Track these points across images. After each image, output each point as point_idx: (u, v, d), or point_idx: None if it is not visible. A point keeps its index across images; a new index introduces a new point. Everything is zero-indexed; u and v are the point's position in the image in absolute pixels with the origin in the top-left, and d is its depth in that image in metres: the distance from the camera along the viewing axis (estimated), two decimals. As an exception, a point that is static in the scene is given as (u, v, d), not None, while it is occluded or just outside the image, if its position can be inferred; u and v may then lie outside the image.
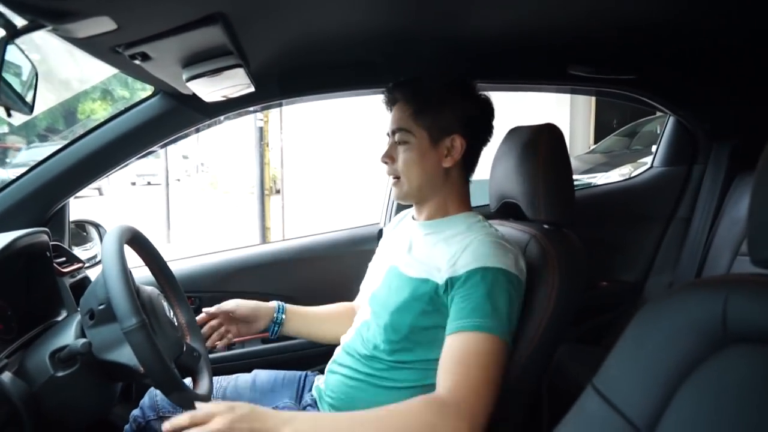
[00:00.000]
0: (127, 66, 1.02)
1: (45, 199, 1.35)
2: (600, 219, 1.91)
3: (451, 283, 1.00)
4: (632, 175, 2.02)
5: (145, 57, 0.95)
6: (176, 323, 1.13)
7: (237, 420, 0.83)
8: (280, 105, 1.65)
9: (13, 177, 1.36)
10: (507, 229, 1.26)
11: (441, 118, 1.12)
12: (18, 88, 0.84)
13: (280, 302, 1.33)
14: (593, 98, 7.37)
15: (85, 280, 1.47)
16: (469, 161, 1.17)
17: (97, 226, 1.67)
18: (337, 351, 1.22)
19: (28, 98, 0.86)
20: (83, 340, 0.97)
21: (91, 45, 0.90)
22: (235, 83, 1.18)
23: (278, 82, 1.40)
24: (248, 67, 1.19)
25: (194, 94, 1.25)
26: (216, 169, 15.07)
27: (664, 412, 0.60)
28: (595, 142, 7.54)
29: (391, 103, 1.18)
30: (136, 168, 16.61)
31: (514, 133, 1.27)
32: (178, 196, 11.64)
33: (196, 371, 1.15)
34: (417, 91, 1.13)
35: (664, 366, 0.62)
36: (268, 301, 1.34)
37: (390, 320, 1.07)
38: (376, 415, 0.92)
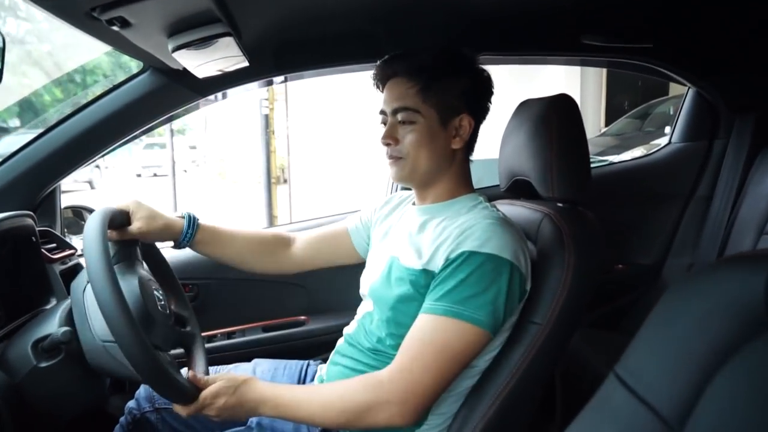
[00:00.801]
0: (108, 35, 0.95)
1: (33, 183, 1.30)
2: (615, 199, 1.82)
3: (445, 264, 0.94)
4: (649, 152, 1.92)
5: (124, 23, 0.88)
6: (168, 310, 1.07)
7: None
8: (272, 83, 1.58)
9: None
10: (518, 208, 1.19)
11: (449, 95, 1.03)
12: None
13: (192, 216, 1.17)
14: (604, 80, 7.25)
15: (77, 267, 1.42)
16: (472, 141, 1.10)
17: (92, 210, 1.62)
18: (340, 341, 1.16)
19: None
20: (65, 329, 0.91)
21: (65, 10, 0.84)
22: (225, 55, 1.11)
23: (274, 56, 1.32)
24: (240, 39, 1.12)
25: (185, 70, 1.18)
26: (224, 158, 15.04)
27: (697, 403, 0.53)
28: (607, 125, 7.40)
29: (385, 78, 1.07)
30: (141, 160, 16.87)
31: (525, 105, 1.19)
32: (187, 186, 11.65)
33: (191, 358, 1.10)
34: (423, 65, 1.02)
35: (696, 352, 0.54)
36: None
37: (393, 314, 1.01)
38: (319, 392, 0.98)
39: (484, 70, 1.08)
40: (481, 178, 1.31)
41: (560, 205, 1.12)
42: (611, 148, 5.97)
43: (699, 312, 0.57)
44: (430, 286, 0.96)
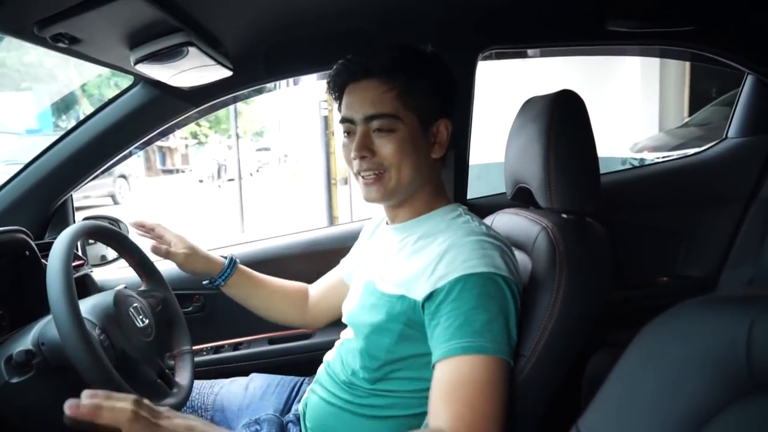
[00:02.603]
0: (69, 50, 0.94)
1: (42, 197, 1.36)
2: (660, 202, 1.61)
3: (431, 299, 0.83)
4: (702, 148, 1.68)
5: (73, 40, 0.87)
6: (145, 325, 1.05)
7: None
8: (260, 91, 1.53)
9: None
10: (517, 218, 1.07)
11: (429, 98, 0.92)
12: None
13: (233, 258, 1.21)
14: (687, 63, 6.64)
15: (86, 278, 1.46)
16: (447, 147, 0.98)
17: (116, 221, 1.67)
18: (321, 369, 1.10)
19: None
20: (20, 349, 0.92)
21: (10, 28, 0.83)
22: (198, 65, 1.07)
23: (262, 63, 1.28)
24: (214, 48, 1.08)
25: (174, 82, 1.17)
26: (298, 160, 15.49)
27: None
28: (690, 114, 6.77)
29: (350, 80, 0.93)
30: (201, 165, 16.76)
31: (528, 104, 1.06)
32: (258, 187, 12.06)
33: (176, 368, 1.11)
34: (401, 64, 0.90)
35: (668, 413, 0.46)
36: None
37: (365, 345, 0.93)
38: None
39: (448, 67, 0.97)
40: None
41: (564, 216, 0.99)
42: (694, 140, 5.44)
43: (672, 364, 0.47)
44: (408, 314, 0.87)
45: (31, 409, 0.97)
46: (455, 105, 0.97)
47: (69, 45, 0.87)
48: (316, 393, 1.04)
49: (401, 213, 0.99)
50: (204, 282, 1.20)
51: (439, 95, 0.94)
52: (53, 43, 0.85)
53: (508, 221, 1.10)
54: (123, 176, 11.11)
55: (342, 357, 1.01)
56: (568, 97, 0.98)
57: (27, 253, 1.19)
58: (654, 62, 6.25)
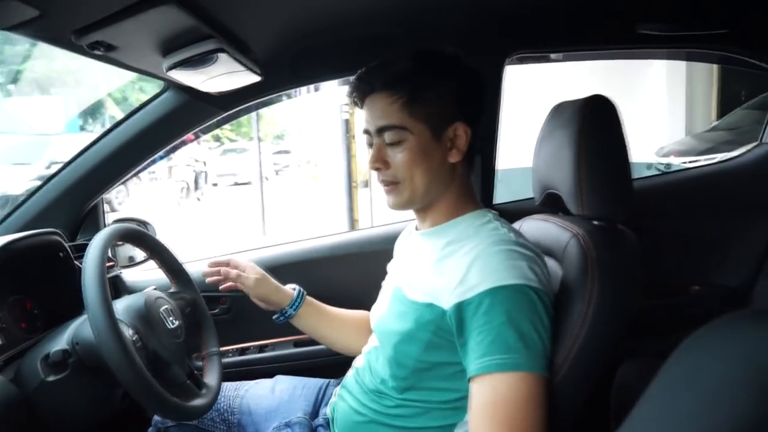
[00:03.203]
0: (106, 58, 0.97)
1: (74, 200, 1.39)
2: (693, 209, 1.58)
3: (459, 310, 0.81)
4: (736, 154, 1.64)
5: (109, 47, 0.89)
6: (175, 327, 1.07)
7: None
8: (287, 96, 1.54)
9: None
10: (546, 225, 1.05)
11: (439, 104, 0.91)
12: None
13: (300, 289, 1.21)
14: (715, 66, 6.50)
15: (116, 279, 1.49)
16: (471, 151, 0.97)
17: (144, 223, 1.70)
18: (349, 374, 1.10)
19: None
20: (56, 349, 0.94)
21: (50, 37, 0.86)
22: (229, 71, 1.09)
23: (289, 69, 1.29)
24: (245, 54, 1.10)
25: (204, 87, 1.19)
26: (318, 163, 15.55)
27: None
28: (719, 118, 6.62)
29: (363, 94, 0.94)
30: (217, 168, 15.56)
31: (557, 109, 1.05)
32: (278, 191, 12.04)
33: (204, 370, 1.13)
34: (403, 74, 0.90)
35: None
36: None
37: (394, 353, 0.91)
38: None
39: (473, 69, 0.95)
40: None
41: (596, 223, 0.97)
42: (723, 144, 5.30)
43: (713, 382, 0.45)
44: (437, 323, 0.86)
45: (66, 407, 0.99)
46: (477, 107, 0.95)
47: (105, 52, 0.89)
48: (345, 400, 1.04)
49: (428, 218, 0.98)
50: (274, 317, 1.20)
51: (452, 99, 0.92)
52: (90, 50, 0.87)
53: (536, 227, 1.09)
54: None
55: (371, 365, 1.01)
56: (599, 102, 0.97)
57: (61, 254, 1.22)
58: (681, 64, 6.14)
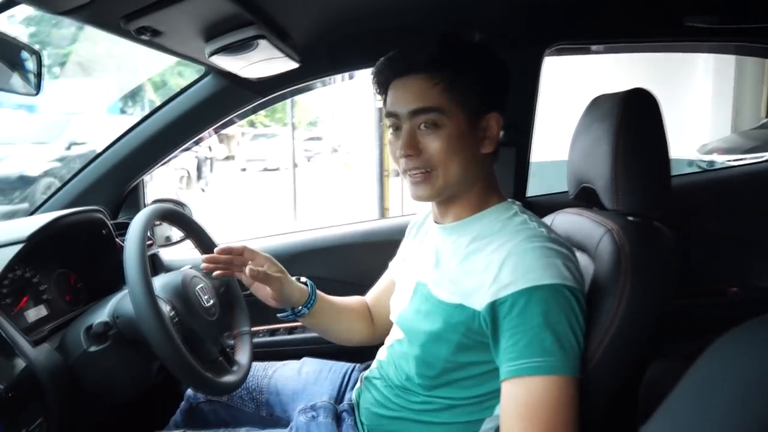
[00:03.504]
0: (150, 42, 1.00)
1: (116, 180, 1.44)
2: (735, 208, 1.53)
3: (493, 310, 0.79)
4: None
5: (155, 33, 0.92)
6: (210, 305, 1.11)
7: None
8: (323, 83, 1.55)
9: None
10: (580, 219, 1.04)
11: (477, 92, 0.87)
12: (25, 72, 0.86)
13: (311, 284, 1.11)
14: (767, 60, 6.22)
15: (154, 257, 1.54)
16: (500, 143, 0.94)
17: (182, 205, 1.75)
18: (373, 366, 1.09)
19: (33, 81, 0.88)
20: (99, 321, 0.98)
21: (100, 21, 0.89)
22: (267, 57, 1.11)
23: (327, 56, 1.31)
24: (284, 40, 1.11)
25: (243, 73, 1.21)
26: (350, 150, 15.56)
27: None
28: (768, 115, 6.35)
29: (395, 74, 0.89)
30: (246, 153, 15.78)
31: (596, 102, 1.03)
32: (309, 177, 12.01)
33: (235, 348, 1.16)
34: (447, 57, 0.86)
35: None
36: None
37: (421, 353, 0.90)
38: None
39: (503, 61, 0.92)
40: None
41: (631, 218, 0.96)
42: (772, 142, 5.10)
43: (745, 382, 0.44)
44: (467, 324, 0.84)
45: (106, 377, 1.04)
46: (507, 98, 0.93)
47: (151, 38, 0.92)
48: (370, 392, 1.04)
49: (451, 211, 0.95)
50: (282, 315, 1.09)
51: (487, 88, 0.89)
52: (137, 35, 0.90)
53: (569, 221, 1.07)
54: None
55: (395, 361, 0.99)
56: (640, 95, 0.94)
57: (104, 231, 1.27)
58: (730, 57, 5.90)
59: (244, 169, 15.33)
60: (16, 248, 1.00)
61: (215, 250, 1.01)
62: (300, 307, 1.07)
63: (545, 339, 0.75)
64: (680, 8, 1.21)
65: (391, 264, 1.22)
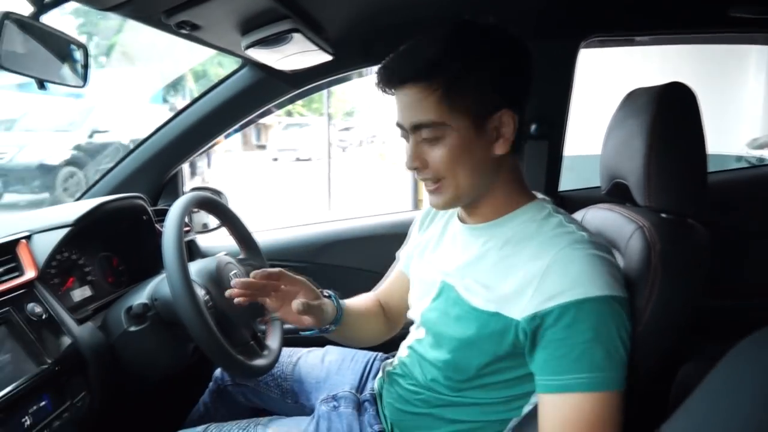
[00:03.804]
0: (190, 36, 1.03)
1: (156, 168, 1.50)
2: None
3: (533, 321, 0.75)
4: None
5: (194, 27, 0.95)
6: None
7: None
8: (358, 75, 1.56)
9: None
10: (612, 215, 1.02)
11: (480, 91, 0.79)
12: (73, 64, 0.90)
13: (337, 299, 1.04)
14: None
15: (191, 243, 1.60)
16: (518, 137, 0.84)
17: (219, 193, 1.80)
18: (395, 363, 1.07)
19: (81, 72, 0.92)
20: (138, 302, 1.03)
21: (141, 16, 0.92)
22: (302, 50, 1.13)
23: (360, 48, 1.32)
24: (317, 33, 1.13)
25: (279, 65, 1.24)
26: (386, 140, 15.52)
27: None
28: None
29: (391, 85, 0.82)
30: (278, 142, 15.39)
31: (631, 96, 1.01)
32: (344, 167, 11.98)
33: (266, 334, 1.19)
34: (437, 62, 0.77)
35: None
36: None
37: (452, 358, 0.86)
38: None
39: (518, 41, 0.82)
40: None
41: (664, 215, 0.94)
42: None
43: (766, 382, 0.44)
44: (503, 333, 0.79)
45: (143, 356, 1.09)
46: (524, 87, 0.85)
47: (190, 31, 0.95)
48: (393, 386, 1.03)
49: (477, 213, 0.90)
50: (306, 333, 1.00)
51: (495, 83, 0.80)
52: (177, 29, 0.94)
53: (601, 217, 1.06)
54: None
55: (419, 362, 0.97)
56: (677, 90, 0.92)
57: (144, 217, 1.32)
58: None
59: (275, 159, 14.92)
60: (64, 231, 1.06)
61: (251, 275, 0.93)
62: (328, 325, 1.00)
63: (596, 354, 0.72)
64: None
65: (399, 255, 1.19)
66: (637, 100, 0.97)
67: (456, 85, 0.77)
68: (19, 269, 0.98)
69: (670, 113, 0.90)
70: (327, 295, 1.03)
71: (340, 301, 1.04)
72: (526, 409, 0.87)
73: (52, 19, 0.84)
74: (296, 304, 0.88)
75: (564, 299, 0.73)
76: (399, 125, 0.84)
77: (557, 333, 0.73)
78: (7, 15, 0.77)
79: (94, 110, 7.71)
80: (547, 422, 0.75)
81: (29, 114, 7.51)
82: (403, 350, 1.06)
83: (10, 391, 0.81)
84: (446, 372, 0.89)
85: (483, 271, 0.85)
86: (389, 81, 0.82)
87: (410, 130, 0.82)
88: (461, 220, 0.94)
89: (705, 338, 1.01)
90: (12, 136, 7.35)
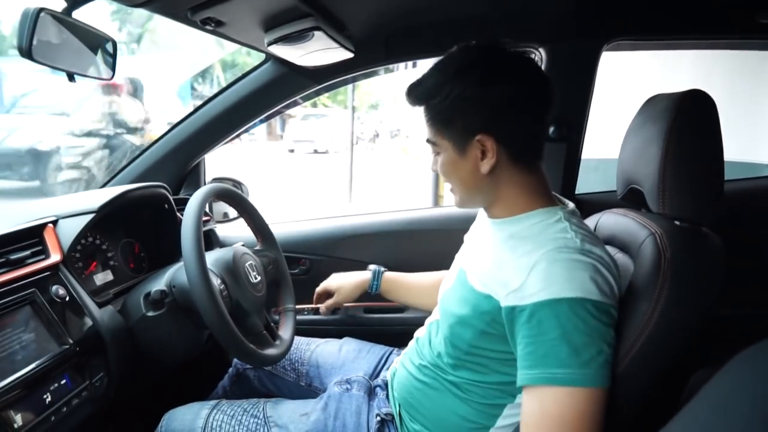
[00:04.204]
0: (216, 31, 1.06)
1: (179, 158, 1.54)
2: None
3: (512, 314, 0.81)
4: None
5: (219, 23, 0.97)
6: (258, 281, 1.17)
7: None
8: (378, 72, 1.57)
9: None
10: (625, 220, 1.02)
11: (462, 117, 0.86)
12: (104, 57, 0.93)
13: (377, 270, 1.36)
14: None
15: (210, 233, 1.63)
16: (521, 148, 0.89)
17: (239, 184, 1.84)
18: (411, 343, 1.14)
19: (110, 63, 0.95)
20: (156, 289, 1.07)
21: (169, 12, 0.95)
22: (323, 47, 1.15)
23: (382, 46, 1.33)
24: (339, 31, 1.15)
25: (301, 61, 1.26)
26: (409, 135, 15.45)
27: None
28: None
29: (410, 104, 0.96)
30: (293, 134, 15.05)
31: (651, 102, 1.00)
32: (364, 160, 11.90)
33: (278, 327, 1.22)
34: (425, 91, 0.89)
35: None
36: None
37: (450, 333, 0.95)
38: None
39: (512, 64, 0.87)
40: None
41: (678, 223, 0.93)
42: None
43: (764, 393, 0.44)
44: (492, 314, 0.85)
45: (159, 341, 1.12)
46: (512, 117, 0.86)
47: (215, 27, 0.97)
48: (405, 366, 1.09)
49: (494, 211, 0.96)
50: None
51: (477, 110, 0.85)
52: (202, 25, 0.96)
53: (614, 221, 1.06)
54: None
55: (431, 337, 1.05)
56: (696, 97, 0.91)
57: (166, 206, 1.36)
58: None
59: (292, 151, 14.68)
60: (89, 217, 1.10)
61: (316, 293, 1.41)
62: (368, 290, 1.36)
63: (562, 351, 0.75)
64: (752, 4, 1.14)
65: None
66: (656, 106, 0.96)
67: (439, 112, 0.89)
68: (45, 252, 1.02)
69: (688, 120, 0.89)
70: (371, 269, 1.37)
71: (387, 274, 1.37)
72: (520, 398, 0.89)
73: (86, 6, 0.87)
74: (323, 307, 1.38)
75: (537, 298, 0.78)
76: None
77: (530, 329, 0.78)
78: (42, 9, 0.81)
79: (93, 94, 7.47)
80: (524, 417, 0.81)
81: (38, 91, 7.07)
82: (420, 331, 1.13)
83: (33, 369, 0.85)
84: (446, 347, 0.96)
85: (486, 259, 0.93)
86: (409, 101, 0.95)
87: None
88: (488, 214, 1.02)
89: (720, 346, 1.00)
90: (5, 118, 6.89)
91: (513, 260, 0.84)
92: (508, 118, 0.87)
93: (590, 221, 1.09)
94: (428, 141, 0.94)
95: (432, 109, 0.89)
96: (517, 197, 0.92)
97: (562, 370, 0.76)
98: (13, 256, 0.95)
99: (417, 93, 0.91)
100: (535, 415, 0.78)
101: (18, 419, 0.81)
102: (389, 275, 1.36)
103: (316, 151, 14.50)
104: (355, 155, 8.17)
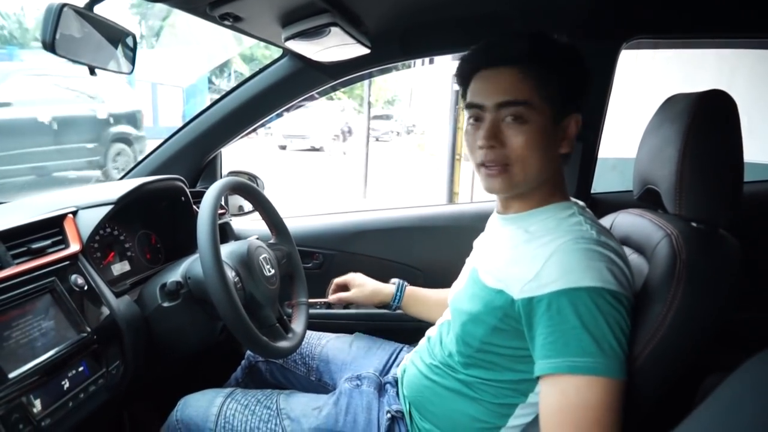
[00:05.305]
0: (235, 27, 1.07)
1: (197, 151, 1.56)
2: None
3: (529, 305, 0.80)
4: None
5: (237, 18, 0.98)
6: (271, 275, 1.18)
7: None
8: (395, 68, 1.57)
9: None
10: (641, 220, 1.01)
11: (563, 91, 0.87)
12: (124, 51, 0.95)
13: (401, 283, 1.34)
14: None
15: (226, 226, 1.65)
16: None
17: (255, 178, 1.86)
18: (422, 342, 1.14)
19: (130, 57, 0.97)
20: (171, 280, 1.08)
21: (189, 7, 0.96)
22: (340, 43, 1.15)
23: (399, 43, 1.33)
24: (356, 27, 1.15)
25: (318, 56, 1.27)
26: (425, 131, 15.43)
27: None
28: None
29: (484, 65, 0.88)
30: (283, 128, 13.11)
31: (668, 102, 0.99)
32: (377, 157, 11.40)
33: (292, 317, 1.23)
34: (541, 54, 0.85)
35: None
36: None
37: (461, 331, 0.94)
38: None
39: (582, 56, 0.89)
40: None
41: (694, 225, 0.92)
42: None
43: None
44: (505, 309, 0.85)
45: (174, 331, 1.14)
46: (587, 99, 0.92)
47: (233, 23, 0.98)
48: (415, 365, 1.09)
49: (515, 205, 0.95)
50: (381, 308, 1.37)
51: (571, 89, 0.88)
52: (220, 21, 0.97)
53: (630, 222, 1.05)
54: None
55: (441, 338, 1.04)
56: (716, 97, 0.89)
57: (183, 198, 1.38)
58: None
59: (283, 147, 13.12)
60: (107, 209, 1.12)
61: (334, 282, 1.41)
62: (390, 303, 1.34)
63: (583, 339, 0.75)
64: None
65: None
66: (675, 106, 0.95)
67: (546, 78, 0.85)
68: (65, 242, 1.04)
69: (706, 121, 0.88)
70: (394, 282, 1.35)
71: (406, 289, 1.34)
72: (532, 398, 0.90)
73: (108, 1, 0.89)
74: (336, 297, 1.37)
75: (555, 287, 0.77)
76: (475, 105, 0.89)
77: (550, 319, 0.77)
78: (65, 4, 0.82)
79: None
80: (543, 407, 0.79)
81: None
82: (432, 330, 1.13)
83: (52, 356, 0.87)
84: (458, 346, 0.95)
85: (500, 255, 0.92)
86: (488, 59, 0.88)
87: (494, 107, 0.86)
88: (497, 211, 1.01)
89: (735, 349, 0.99)
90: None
91: (528, 252, 0.84)
92: (584, 107, 0.90)
93: (606, 221, 1.09)
94: (519, 102, 0.84)
95: (545, 71, 0.85)
96: (550, 189, 0.93)
97: (584, 358, 0.75)
98: (35, 245, 0.97)
99: (533, 48, 0.85)
100: (556, 405, 0.77)
101: (37, 404, 0.83)
102: (409, 289, 1.34)
103: (313, 148, 13.21)
104: (373, 151, 8.12)
